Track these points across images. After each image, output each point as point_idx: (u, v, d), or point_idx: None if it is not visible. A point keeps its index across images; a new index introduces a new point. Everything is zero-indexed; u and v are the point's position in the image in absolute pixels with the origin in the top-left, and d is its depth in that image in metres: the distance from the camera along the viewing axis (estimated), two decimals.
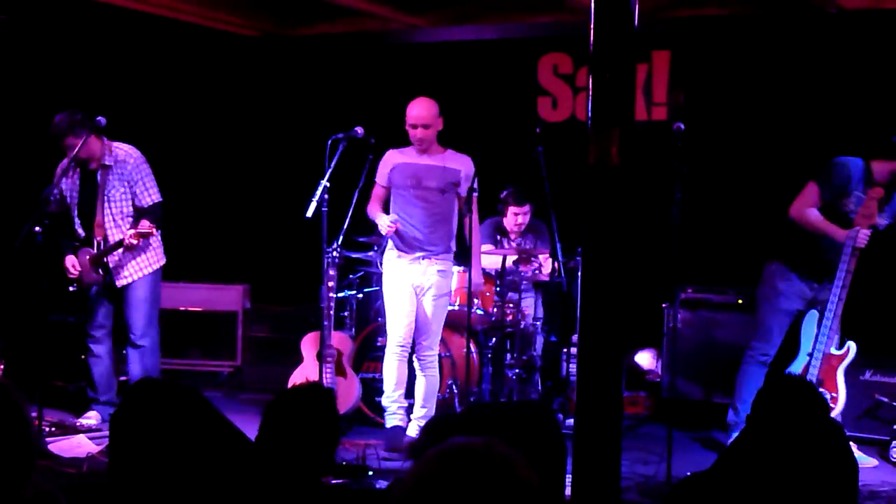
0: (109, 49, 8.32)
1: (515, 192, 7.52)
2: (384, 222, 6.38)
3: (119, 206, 6.65)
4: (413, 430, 6.55)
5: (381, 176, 6.59)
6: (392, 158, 6.56)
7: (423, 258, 6.48)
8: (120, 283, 6.70)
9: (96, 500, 4.43)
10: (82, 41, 8.16)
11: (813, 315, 6.32)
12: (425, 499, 1.83)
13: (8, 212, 7.26)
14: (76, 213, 6.70)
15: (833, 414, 6.12)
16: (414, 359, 6.62)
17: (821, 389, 6.11)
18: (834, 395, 6.16)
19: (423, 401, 6.59)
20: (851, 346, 6.24)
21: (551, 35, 8.63)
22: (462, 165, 6.54)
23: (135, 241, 6.44)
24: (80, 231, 6.70)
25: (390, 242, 6.58)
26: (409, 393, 6.70)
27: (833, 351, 6.21)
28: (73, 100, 6.85)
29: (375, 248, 7.21)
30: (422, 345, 6.58)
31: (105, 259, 6.64)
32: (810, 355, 6.23)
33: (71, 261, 6.66)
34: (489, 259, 7.31)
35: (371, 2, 8.27)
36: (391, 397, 6.56)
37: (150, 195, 6.73)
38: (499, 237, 7.66)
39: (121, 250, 6.58)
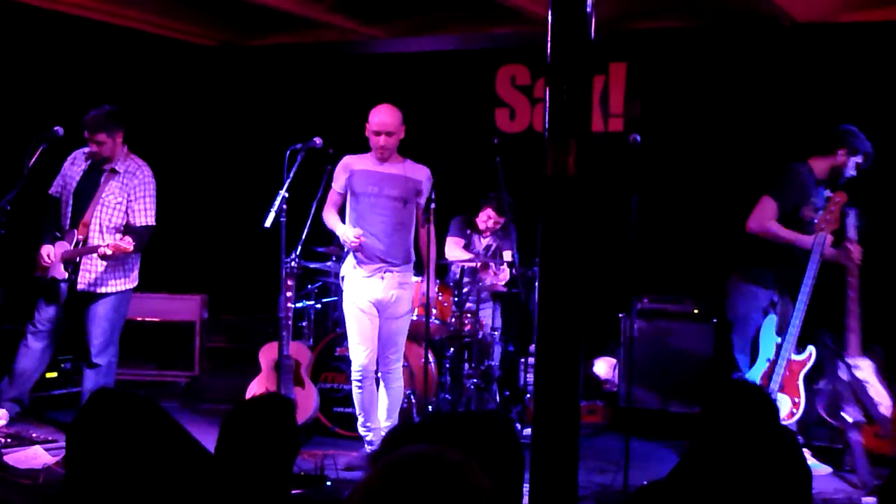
0: (65, 58, 8.26)
1: (500, 201, 7.49)
2: (349, 235, 6.22)
3: (110, 213, 6.53)
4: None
5: (338, 182, 6.40)
6: (350, 164, 6.38)
7: (383, 271, 6.30)
8: (81, 287, 6.53)
9: None
10: (38, 50, 8.09)
11: (771, 320, 6.33)
12: None
13: None
14: (71, 202, 6.59)
15: (795, 418, 6.17)
16: (378, 374, 6.49)
17: (783, 395, 6.16)
18: (797, 399, 6.16)
19: (388, 413, 6.46)
20: (812, 350, 6.25)
21: (509, 47, 8.69)
22: (422, 176, 6.42)
23: (109, 252, 6.26)
24: (67, 222, 6.58)
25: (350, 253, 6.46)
26: None
27: (794, 356, 6.22)
28: (30, 109, 6.79)
29: (334, 259, 7.18)
30: (389, 358, 6.44)
31: (78, 259, 6.52)
32: (773, 361, 6.24)
33: (47, 250, 6.51)
34: (456, 253, 7.46)
35: (330, 12, 8.28)
36: (365, 426, 6.46)
37: (146, 216, 6.62)
38: (468, 231, 7.70)
39: (95, 257, 6.44)
